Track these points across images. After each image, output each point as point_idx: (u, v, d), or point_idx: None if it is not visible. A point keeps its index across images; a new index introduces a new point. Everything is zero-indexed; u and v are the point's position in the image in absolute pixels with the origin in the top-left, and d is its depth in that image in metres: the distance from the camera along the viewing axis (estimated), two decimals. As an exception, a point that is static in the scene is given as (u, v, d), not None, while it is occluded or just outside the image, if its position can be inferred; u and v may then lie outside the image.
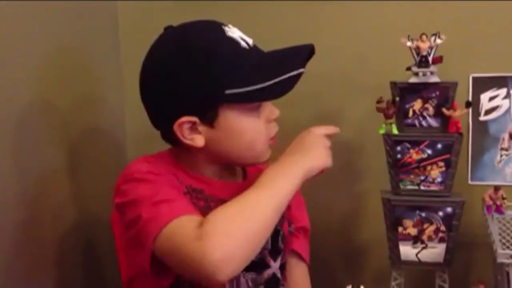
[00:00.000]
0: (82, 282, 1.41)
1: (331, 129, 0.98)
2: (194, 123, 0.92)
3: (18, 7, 1.18)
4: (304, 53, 0.95)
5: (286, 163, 0.91)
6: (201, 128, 0.93)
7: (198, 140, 0.93)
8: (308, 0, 1.57)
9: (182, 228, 0.82)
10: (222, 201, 0.94)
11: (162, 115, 0.96)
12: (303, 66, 0.92)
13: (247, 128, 0.95)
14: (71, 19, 1.39)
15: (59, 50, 1.35)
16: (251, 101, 0.93)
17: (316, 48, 1.56)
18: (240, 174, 1.07)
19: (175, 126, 0.92)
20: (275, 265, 1.03)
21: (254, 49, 0.96)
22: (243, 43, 0.94)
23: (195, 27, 0.96)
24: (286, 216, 1.09)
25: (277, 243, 1.03)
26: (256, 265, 0.98)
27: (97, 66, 1.54)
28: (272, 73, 0.91)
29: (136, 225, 0.86)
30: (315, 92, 1.54)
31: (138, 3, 1.66)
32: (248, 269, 0.93)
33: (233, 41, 0.93)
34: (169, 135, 0.96)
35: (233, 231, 0.80)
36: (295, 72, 0.91)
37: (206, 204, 0.95)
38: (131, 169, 0.94)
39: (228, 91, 0.90)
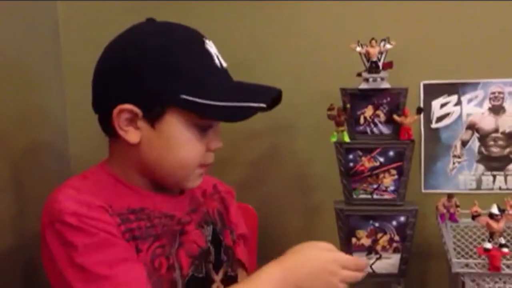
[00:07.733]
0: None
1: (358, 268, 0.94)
2: (135, 115, 0.87)
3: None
4: (272, 93, 0.91)
5: (284, 283, 0.84)
6: (140, 124, 0.88)
7: (132, 134, 0.88)
8: (253, 0, 1.53)
9: None
10: (165, 215, 0.92)
11: (107, 94, 0.90)
12: (267, 103, 0.88)
13: (185, 144, 0.89)
14: (8, 28, 1.31)
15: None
16: (201, 114, 0.87)
17: (265, 55, 1.56)
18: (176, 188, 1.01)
19: (115, 111, 0.86)
20: (217, 278, 0.99)
21: (224, 71, 0.93)
22: (216, 61, 0.91)
23: (179, 26, 0.93)
24: (227, 224, 1.07)
25: (219, 255, 1.00)
26: (202, 281, 0.95)
27: (37, 77, 1.46)
28: (232, 96, 0.87)
29: None
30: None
31: (79, 12, 1.56)
32: (195, 286, 0.92)
33: (208, 54, 0.91)
34: (105, 121, 0.90)
35: None
36: (255, 104, 0.87)
37: (149, 223, 0.90)
38: (60, 207, 0.82)
39: (183, 96, 0.85)
